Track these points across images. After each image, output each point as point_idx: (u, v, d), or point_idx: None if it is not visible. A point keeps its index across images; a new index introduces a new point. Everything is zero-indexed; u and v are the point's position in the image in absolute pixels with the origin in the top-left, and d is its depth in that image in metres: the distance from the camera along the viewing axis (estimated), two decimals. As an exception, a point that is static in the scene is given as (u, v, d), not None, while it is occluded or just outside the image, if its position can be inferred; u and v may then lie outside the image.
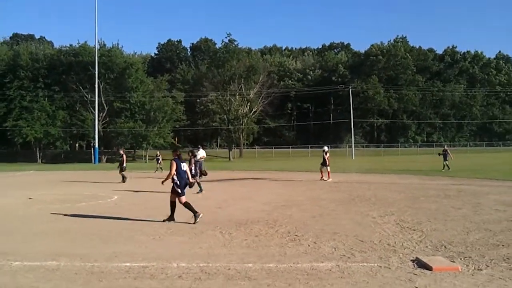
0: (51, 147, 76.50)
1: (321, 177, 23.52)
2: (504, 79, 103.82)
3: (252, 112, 78.45)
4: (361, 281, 5.95)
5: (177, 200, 10.89)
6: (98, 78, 63.73)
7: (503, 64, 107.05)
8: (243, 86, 76.35)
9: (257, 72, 78.69)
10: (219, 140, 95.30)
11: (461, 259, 7.04)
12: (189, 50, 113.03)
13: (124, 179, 24.13)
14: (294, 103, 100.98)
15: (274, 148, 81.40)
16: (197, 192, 17.15)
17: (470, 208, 12.40)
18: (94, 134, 63.25)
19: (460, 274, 6.21)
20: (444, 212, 11.87)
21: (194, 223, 10.46)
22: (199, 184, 17.54)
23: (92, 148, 66.85)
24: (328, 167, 23.76)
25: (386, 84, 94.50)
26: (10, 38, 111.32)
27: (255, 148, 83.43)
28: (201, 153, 24.52)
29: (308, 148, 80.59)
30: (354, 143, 70.96)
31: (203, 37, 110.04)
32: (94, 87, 63.64)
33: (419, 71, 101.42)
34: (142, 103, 72.06)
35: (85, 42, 75.53)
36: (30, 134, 67.81)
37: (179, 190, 10.78)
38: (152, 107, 71.62)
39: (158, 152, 37.81)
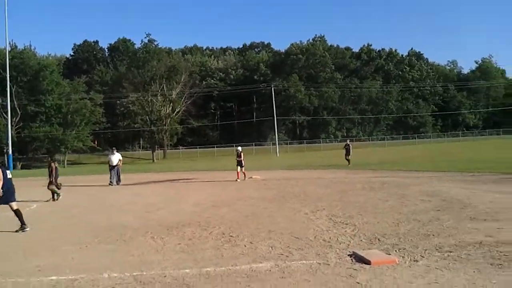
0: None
1: (237, 178, 22.55)
2: (417, 75, 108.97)
3: (175, 112, 77.39)
4: (303, 280, 5.85)
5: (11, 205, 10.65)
6: (10, 82, 60.14)
7: (416, 61, 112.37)
8: (164, 87, 75.13)
9: (179, 72, 77.77)
10: (141, 142, 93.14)
11: (396, 251, 7.14)
12: (106, 50, 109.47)
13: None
14: (217, 102, 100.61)
15: (199, 148, 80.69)
16: (47, 200, 16.74)
17: (397, 200, 12.76)
18: (7, 140, 59.67)
19: (398, 266, 6.27)
20: (373, 204, 12.13)
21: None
22: (55, 192, 17.11)
23: (5, 155, 63.10)
24: (243, 167, 23.11)
25: (306, 82, 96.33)
26: None
27: (179, 149, 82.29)
28: (117, 157, 24.19)
29: (232, 147, 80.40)
30: (278, 140, 71.76)
31: (121, 37, 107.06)
32: (6, 91, 60.00)
33: (338, 69, 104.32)
34: (58, 106, 69.04)
35: (-5, 44, 71.29)
36: None
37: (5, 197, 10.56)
38: (69, 110, 68.80)
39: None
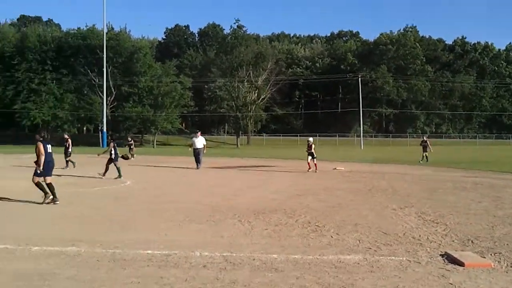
0: (59, 130, 76.52)
1: (309, 169, 21.83)
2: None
3: (260, 99, 78.20)
4: (393, 275, 5.77)
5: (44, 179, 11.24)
6: (106, 62, 63.55)
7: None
8: (251, 73, 76.05)
9: (266, 59, 78.36)
10: (226, 127, 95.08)
11: (491, 254, 6.85)
12: (197, 35, 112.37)
13: (67, 164, 22.62)
14: (302, 91, 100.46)
15: (282, 135, 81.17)
16: (116, 178, 17.29)
17: (491, 202, 12.19)
18: (102, 117, 63.29)
19: (493, 271, 6.02)
20: (465, 205, 11.67)
21: (41, 203, 10.99)
22: (118, 169, 17.78)
23: (100, 132, 66.91)
24: (315, 158, 22.16)
25: (395, 74, 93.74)
26: (18, 20, 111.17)
27: (262, 136, 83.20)
28: (201, 141, 23.52)
29: (316, 136, 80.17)
30: (362, 133, 70.55)
31: (211, 22, 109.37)
32: (102, 71, 63.54)
33: (429, 61, 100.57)
34: (150, 88, 71.84)
35: (93, 25, 75.40)
36: (38, 117, 67.95)
37: (41, 171, 11.13)
38: (160, 92, 71.38)
39: (129, 138, 35.98)
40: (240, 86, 75.62)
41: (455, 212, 10.55)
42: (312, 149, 21.98)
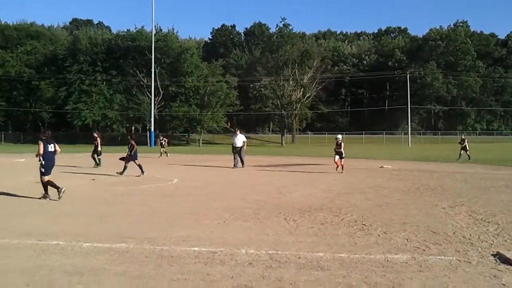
0: (109, 130, 78.60)
1: (337, 167, 20.51)
2: None
3: (306, 97, 77.83)
4: (442, 275, 5.62)
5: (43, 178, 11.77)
6: (154, 63, 64.75)
7: None
8: (296, 71, 75.81)
9: (311, 57, 77.90)
10: (271, 125, 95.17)
11: (547, 255, 6.57)
12: (242, 35, 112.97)
13: (96, 163, 22.72)
14: (348, 88, 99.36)
15: (327, 134, 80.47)
16: (138, 176, 17.66)
17: (547, 202, 11.70)
18: (150, 117, 64.53)
19: (549, 272, 5.77)
20: (518, 204, 11.25)
21: (58, 199, 11.50)
22: (140, 166, 18.24)
23: (148, 131, 68.27)
24: (343, 158, 20.60)
25: (445, 70, 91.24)
26: (70, 23, 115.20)
27: (307, 134, 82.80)
28: (241, 139, 23.02)
29: (362, 134, 79.34)
30: (410, 130, 69.11)
31: (257, 21, 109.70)
32: (150, 72, 64.80)
33: (480, 56, 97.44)
34: (196, 88, 72.71)
35: (142, 27, 77.10)
36: (88, 117, 69.99)
37: (43, 170, 11.69)
38: (206, 91, 72.13)
39: (161, 136, 36.17)
40: (286, 85, 75.50)
41: (507, 211, 10.19)
42: (342, 147, 20.46)
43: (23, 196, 12.49)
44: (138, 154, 19.09)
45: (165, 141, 34.37)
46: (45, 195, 11.82)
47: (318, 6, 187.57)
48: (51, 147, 12.07)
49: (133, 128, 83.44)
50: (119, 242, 7.17)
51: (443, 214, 9.86)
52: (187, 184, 15.71)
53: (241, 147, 22.87)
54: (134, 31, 76.45)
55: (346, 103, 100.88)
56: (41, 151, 11.73)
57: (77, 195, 12.80)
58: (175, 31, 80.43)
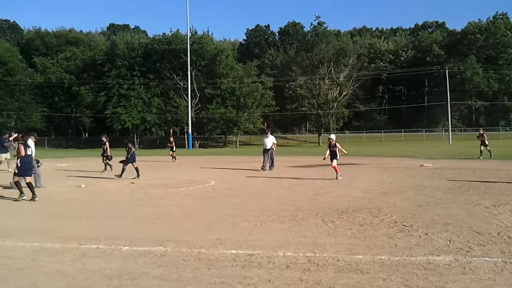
0: (147, 133, 79.78)
1: (337, 173, 17.26)
2: None
3: (342, 96, 77.07)
4: (487, 278, 5.43)
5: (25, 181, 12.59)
6: (190, 66, 65.32)
7: None
8: (332, 70, 75.18)
9: (347, 55, 77.08)
10: (308, 125, 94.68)
11: None
12: (277, 34, 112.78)
13: (106, 168, 22.39)
14: (385, 85, 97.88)
15: (365, 132, 79.56)
16: (133, 178, 17.96)
17: None
18: (188, 120, 65.12)
19: None
20: None
21: (16, 200, 12.28)
22: (137, 169, 18.50)
23: (185, 134, 68.95)
24: (337, 161, 17.61)
25: (485, 64, 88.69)
26: (107, 28, 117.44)
27: (345, 133, 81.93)
28: (271, 140, 22.41)
29: (401, 132, 78.08)
30: (451, 127, 67.51)
31: (291, 21, 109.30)
32: (187, 74, 65.42)
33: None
34: (232, 89, 72.93)
35: (177, 30, 77.66)
36: (128, 121, 71.13)
37: (16, 171, 12.48)
38: (242, 93, 72.26)
39: (171, 139, 33.65)
40: (321, 84, 74.95)
41: (556, 210, 9.80)
42: (336, 148, 17.57)
43: (64, 201, 12.77)
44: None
45: (174, 145, 32.46)
46: (22, 196, 12.51)
47: (353, 3, 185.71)
48: (29, 150, 12.94)
49: (171, 131, 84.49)
50: (157, 245, 7.23)
51: (486, 214, 9.55)
52: (224, 186, 15.75)
53: (271, 148, 22.31)
54: (170, 34, 77.26)
55: (384, 101, 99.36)
56: (22, 153, 12.51)
57: (116, 198, 13.01)
58: (210, 33, 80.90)
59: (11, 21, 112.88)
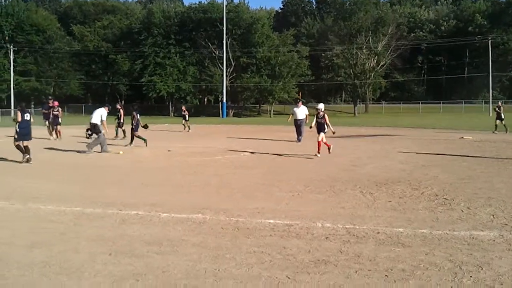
0: (182, 101, 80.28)
1: (319, 150, 15.06)
2: None
3: (380, 66, 75.57)
4: (535, 255, 5.24)
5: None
6: (226, 34, 64.99)
7: None
8: (370, 39, 73.62)
9: (386, 24, 75.28)
10: (343, 95, 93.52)
11: None
12: (314, 3, 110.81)
13: (117, 134, 23.38)
14: (425, 56, 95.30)
15: (402, 103, 78.09)
16: (126, 145, 18.70)
17: None
18: (222, 89, 65.20)
19: None
20: None
21: (21, 162, 13.27)
22: (139, 137, 18.75)
23: (220, 103, 69.15)
24: (323, 133, 15.16)
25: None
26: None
27: (381, 104, 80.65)
28: (303, 111, 21.16)
29: (439, 103, 76.34)
30: (492, 99, 65.54)
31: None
32: (222, 43, 65.18)
33: None
34: (267, 58, 72.44)
35: (213, -1, 77.24)
36: (163, 89, 71.78)
37: (16, 136, 13.39)
38: (277, 62, 71.69)
39: (183, 108, 32.22)
40: (359, 53, 73.58)
41: None
42: (324, 119, 15.15)
43: (104, 167, 12.97)
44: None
45: (187, 113, 31.23)
46: (24, 157, 13.41)
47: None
48: (26, 116, 13.60)
49: (205, 99, 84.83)
50: (196, 213, 7.26)
51: (532, 189, 9.24)
52: (259, 156, 15.72)
53: (303, 119, 20.92)
54: (206, 3, 77.04)
55: (423, 71, 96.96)
56: (19, 119, 13.33)
57: (153, 166, 13.14)
58: (246, 1, 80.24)
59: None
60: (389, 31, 74.51)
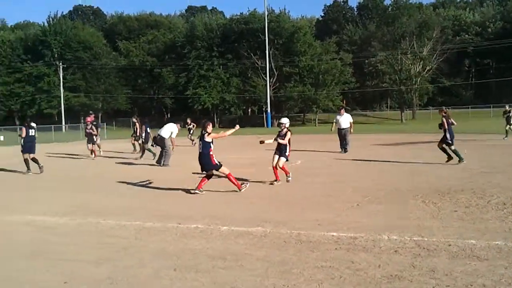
0: (226, 113, 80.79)
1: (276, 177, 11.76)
2: None
3: (426, 70, 73.86)
4: None
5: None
6: (268, 44, 65.11)
7: None
8: (415, 44, 72.12)
9: (430, 28, 73.59)
10: (389, 102, 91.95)
11: None
12: (355, 9, 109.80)
13: (135, 148, 22.53)
14: (472, 59, 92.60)
15: (451, 108, 75.96)
16: (139, 158, 19.44)
17: None
18: (266, 99, 65.26)
19: None
20: None
21: (24, 173, 15.32)
22: (149, 150, 19.16)
23: (264, 113, 69.20)
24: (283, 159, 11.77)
25: None
26: (186, 11, 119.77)
27: (429, 109, 78.71)
28: (346, 119, 20.09)
29: (489, 108, 73.84)
30: (545, 101, 62.99)
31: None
32: (264, 53, 65.34)
33: None
34: (310, 67, 72.01)
35: (255, 9, 78.00)
36: (207, 101, 72.40)
37: (22, 149, 15.59)
38: (320, 70, 71.12)
39: (189, 121, 29.50)
40: (403, 58, 72.15)
41: None
42: (287, 138, 11.95)
43: (157, 179, 13.05)
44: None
45: (193, 126, 28.97)
46: (28, 171, 15.38)
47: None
48: (31, 132, 15.62)
49: (249, 110, 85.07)
50: (256, 226, 7.15)
51: None
52: (310, 165, 15.49)
53: (347, 128, 19.85)
54: (247, 14, 77.43)
55: (470, 75, 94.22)
56: (24, 134, 15.50)
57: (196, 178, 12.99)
58: (287, 11, 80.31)
59: (95, 7, 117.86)
60: (434, 35, 72.86)
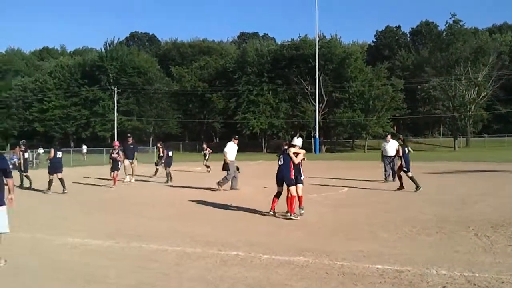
0: (275, 138, 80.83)
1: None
2: None
3: (481, 97, 71.71)
4: None
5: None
6: (318, 70, 65.05)
7: None
8: (469, 70, 70.29)
9: (486, 54, 71.64)
10: (441, 129, 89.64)
11: None
12: (408, 35, 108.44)
13: (156, 172, 23.87)
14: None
15: (507, 136, 73.26)
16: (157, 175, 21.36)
17: None
18: (315, 124, 64.90)
19: None
20: None
21: (45, 192, 16.69)
22: (169, 174, 20.79)
23: (312, 138, 68.77)
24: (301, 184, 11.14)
25: None
26: (238, 37, 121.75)
27: (483, 137, 76.16)
28: (393, 146, 18.76)
29: (548, 136, 70.82)
30: None
31: (424, 20, 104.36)
32: (314, 79, 65.25)
33: None
34: (361, 93, 71.33)
35: (306, 35, 77.90)
36: (256, 126, 72.72)
37: (48, 170, 16.91)
38: (371, 96, 70.30)
39: (205, 146, 29.24)
40: (457, 84, 70.35)
41: None
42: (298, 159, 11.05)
43: (199, 205, 13.05)
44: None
45: (209, 151, 28.68)
46: (49, 190, 16.59)
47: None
48: (59, 154, 17.04)
49: (297, 135, 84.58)
50: (297, 255, 6.97)
51: None
52: (357, 193, 15.14)
53: (394, 156, 18.46)
54: (298, 40, 77.77)
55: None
56: (51, 155, 16.84)
57: (248, 203, 12.89)
58: (338, 36, 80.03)
59: (150, 34, 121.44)
60: (490, 61, 70.86)
